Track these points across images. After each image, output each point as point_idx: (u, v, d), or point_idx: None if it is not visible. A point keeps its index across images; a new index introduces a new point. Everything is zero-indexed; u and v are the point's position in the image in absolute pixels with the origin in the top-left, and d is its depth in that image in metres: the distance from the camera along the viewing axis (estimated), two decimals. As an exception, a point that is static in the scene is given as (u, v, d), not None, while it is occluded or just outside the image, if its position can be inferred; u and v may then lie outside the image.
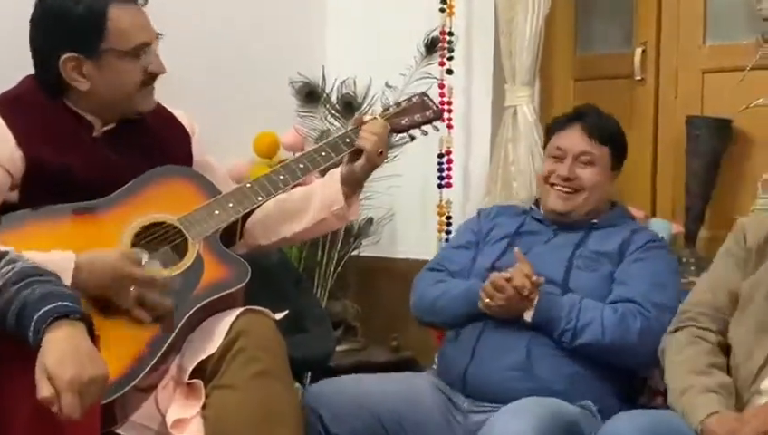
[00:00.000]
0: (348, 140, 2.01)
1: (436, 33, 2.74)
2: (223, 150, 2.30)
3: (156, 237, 1.84)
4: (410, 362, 2.79)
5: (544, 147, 2.29)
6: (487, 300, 2.02)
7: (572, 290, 2.05)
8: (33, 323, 1.38)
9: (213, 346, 1.71)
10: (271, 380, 1.70)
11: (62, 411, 1.34)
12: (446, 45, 2.73)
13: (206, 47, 2.75)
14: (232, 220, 1.89)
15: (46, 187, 1.80)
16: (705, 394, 1.75)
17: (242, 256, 1.88)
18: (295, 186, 2.00)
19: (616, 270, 2.07)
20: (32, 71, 1.90)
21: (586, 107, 2.28)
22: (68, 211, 1.80)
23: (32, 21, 1.87)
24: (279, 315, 1.82)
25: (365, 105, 2.77)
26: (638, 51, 2.70)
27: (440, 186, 2.78)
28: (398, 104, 2.13)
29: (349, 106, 2.79)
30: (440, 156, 2.77)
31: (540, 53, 2.67)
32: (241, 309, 1.77)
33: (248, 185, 1.93)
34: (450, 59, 2.73)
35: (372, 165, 1.99)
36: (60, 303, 1.40)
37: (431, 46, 2.73)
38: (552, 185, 2.15)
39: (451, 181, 2.78)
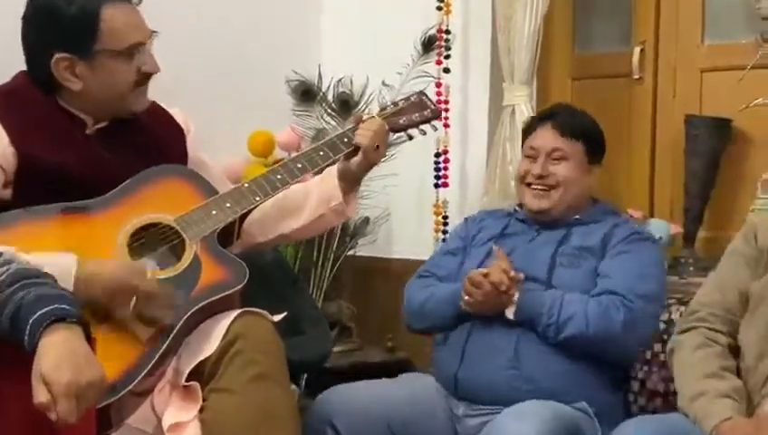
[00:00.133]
0: (346, 139, 1.99)
1: (433, 31, 2.73)
2: (217, 149, 2.28)
3: (152, 238, 1.81)
4: (406, 363, 2.77)
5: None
6: (467, 297, 2.03)
7: (556, 287, 2.05)
8: (28, 327, 1.35)
9: (210, 348, 1.68)
10: (269, 383, 1.68)
11: (59, 417, 1.31)
12: (443, 44, 2.71)
13: (202, 45, 2.73)
14: (230, 221, 1.86)
15: (40, 184, 1.78)
16: (718, 399, 1.73)
17: (237, 256, 1.85)
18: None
19: (599, 264, 2.07)
20: (20, 63, 1.87)
21: (557, 106, 2.30)
22: (62, 210, 1.77)
23: (24, 18, 1.84)
24: (277, 317, 1.80)
25: (362, 104, 2.75)
26: (637, 49, 2.69)
27: (437, 185, 2.77)
28: (395, 103, 2.11)
29: (345, 105, 2.77)
30: (437, 155, 2.75)
31: (538, 51, 2.66)
32: (238, 311, 1.75)
33: (246, 185, 1.91)
34: (447, 57, 2.72)
35: (369, 161, 1.97)
36: (56, 305, 1.37)
37: (428, 45, 2.72)
38: (529, 185, 2.16)
39: (448, 181, 2.77)
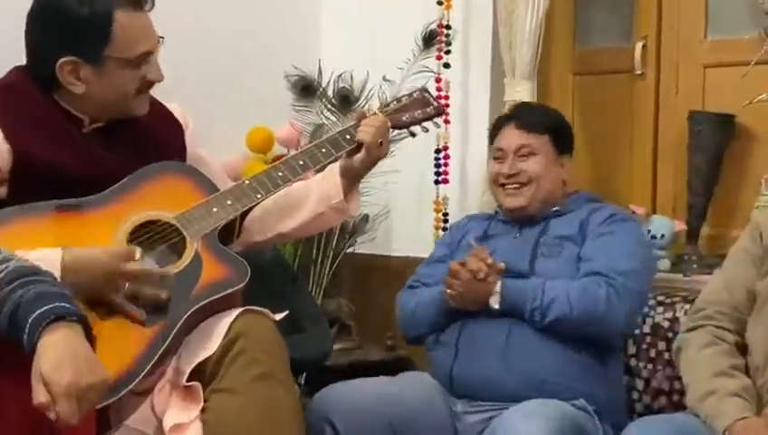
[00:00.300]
0: (348, 136, 1.96)
1: (434, 26, 2.71)
2: (216, 146, 2.25)
3: (152, 236, 1.79)
4: (405, 362, 2.75)
5: None
6: (448, 290, 2.04)
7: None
8: (27, 326, 1.32)
9: (211, 348, 1.66)
10: (272, 383, 1.65)
11: (59, 418, 1.29)
12: (443, 39, 2.69)
13: (200, 40, 2.70)
14: (231, 218, 1.84)
15: (35, 183, 1.74)
16: (728, 398, 1.72)
17: (237, 254, 1.82)
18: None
19: (581, 250, 2.08)
20: (18, 61, 1.84)
21: (518, 105, 2.35)
22: (57, 208, 1.74)
23: (30, 16, 1.80)
24: (279, 316, 1.77)
25: (362, 100, 2.73)
26: (639, 45, 2.67)
27: (437, 182, 2.75)
28: (398, 100, 2.09)
29: (345, 100, 2.74)
30: (437, 151, 2.73)
31: (540, 46, 2.63)
32: (240, 309, 1.72)
33: (247, 182, 1.88)
34: (448, 53, 2.70)
35: (372, 158, 1.95)
36: (56, 304, 1.34)
37: (429, 40, 2.70)
38: (502, 185, 2.18)
39: (448, 177, 2.74)
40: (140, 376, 1.61)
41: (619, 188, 2.73)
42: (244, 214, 1.93)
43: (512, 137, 2.18)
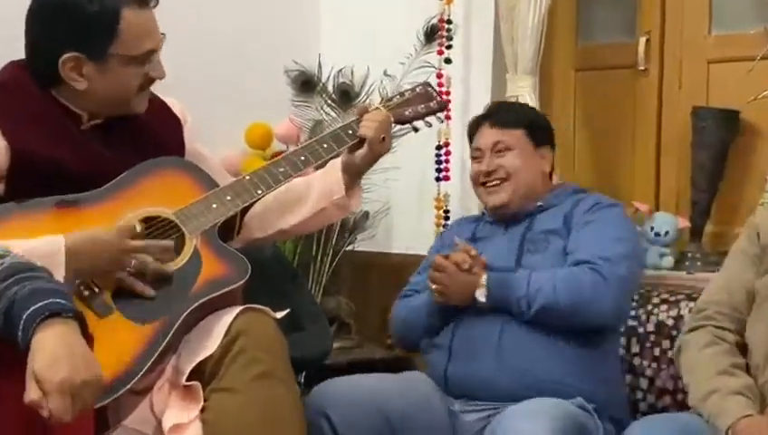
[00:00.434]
0: (350, 131, 1.94)
1: (435, 21, 2.68)
2: (215, 142, 2.22)
3: (151, 232, 1.76)
4: (405, 360, 2.72)
5: None
6: (434, 286, 2.04)
7: None
8: (22, 322, 1.30)
9: (211, 347, 1.63)
10: (273, 382, 1.63)
11: (52, 415, 1.26)
12: (444, 34, 2.66)
13: (199, 34, 2.67)
14: (231, 214, 1.82)
15: (33, 179, 1.72)
16: (731, 396, 1.72)
17: (237, 251, 1.80)
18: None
19: (567, 243, 2.07)
20: (13, 56, 1.81)
21: (492, 104, 2.35)
22: (56, 204, 1.72)
23: (32, 10, 1.77)
24: (280, 314, 1.75)
25: (362, 95, 2.70)
26: (642, 40, 2.64)
27: (438, 179, 2.72)
28: (401, 94, 2.07)
29: (345, 96, 2.72)
30: (438, 148, 2.71)
31: (543, 41, 2.61)
32: (240, 308, 1.70)
33: (247, 177, 1.86)
34: (449, 48, 2.67)
35: (375, 154, 1.93)
36: (51, 300, 1.31)
37: (430, 35, 2.67)
38: (483, 184, 2.19)
39: (449, 174, 2.72)
40: (139, 375, 1.59)
41: (622, 184, 2.71)
42: (245, 210, 1.91)
43: (487, 135, 2.19)
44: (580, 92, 2.79)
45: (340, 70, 2.76)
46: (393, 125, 2.02)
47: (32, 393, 1.26)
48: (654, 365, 2.20)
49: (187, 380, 1.63)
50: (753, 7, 2.53)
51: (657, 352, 2.20)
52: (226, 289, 1.71)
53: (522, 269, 2.04)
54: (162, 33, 1.80)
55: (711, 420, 1.71)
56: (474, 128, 2.26)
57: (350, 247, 2.88)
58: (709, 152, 2.48)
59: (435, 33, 2.67)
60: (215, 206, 1.79)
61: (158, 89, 1.90)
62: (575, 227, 2.08)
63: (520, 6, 2.57)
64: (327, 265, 2.81)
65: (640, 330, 2.23)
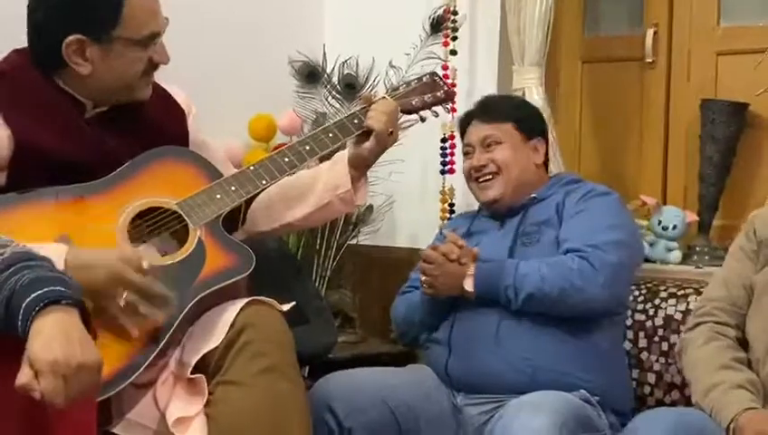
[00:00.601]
0: (356, 120, 1.92)
1: (441, 11, 2.65)
2: (217, 133, 2.19)
3: (154, 223, 1.74)
4: (409, 354, 2.70)
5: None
6: (423, 278, 2.05)
7: None
8: (21, 311, 1.27)
9: (216, 339, 1.61)
10: (279, 376, 1.61)
11: (43, 396, 1.22)
12: (449, 25, 2.63)
13: (202, 24, 2.64)
14: (235, 205, 1.79)
15: (36, 168, 1.69)
16: (733, 390, 1.72)
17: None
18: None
19: (559, 233, 2.07)
20: (14, 45, 1.78)
21: (480, 100, 2.34)
22: (60, 194, 1.69)
23: None
24: (286, 307, 1.72)
25: (368, 86, 2.67)
26: (650, 32, 2.62)
27: (443, 172, 2.69)
28: (407, 84, 2.05)
29: (350, 87, 2.69)
30: (443, 141, 2.68)
31: (550, 32, 2.58)
32: (246, 300, 1.67)
33: (251, 168, 1.84)
34: (454, 39, 2.64)
35: (382, 146, 1.91)
36: (51, 288, 1.29)
37: (436, 25, 2.65)
38: (476, 180, 2.19)
39: (454, 167, 2.68)
40: (142, 368, 1.57)
41: (629, 178, 2.69)
42: (249, 201, 1.88)
43: (476, 131, 2.20)
44: (586, 85, 2.77)
45: (345, 61, 2.73)
46: (400, 115, 1.99)
47: (22, 376, 1.23)
48: (662, 360, 2.18)
49: (192, 372, 1.61)
50: (763, -1, 2.52)
51: (664, 346, 2.18)
52: (231, 280, 1.69)
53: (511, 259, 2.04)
54: (165, 18, 1.78)
55: (713, 415, 1.71)
56: (464, 124, 2.26)
57: (353, 241, 2.85)
58: (717, 145, 2.46)
59: (440, 24, 2.65)
60: (219, 196, 1.77)
61: (160, 79, 1.87)
62: (567, 216, 2.08)
63: (526, -2, 2.55)
64: (331, 259, 2.78)
65: (648, 324, 2.21)
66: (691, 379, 1.83)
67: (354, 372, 2.07)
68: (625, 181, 2.66)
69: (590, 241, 1.99)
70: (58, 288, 1.29)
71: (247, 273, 1.70)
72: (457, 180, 2.71)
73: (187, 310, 1.64)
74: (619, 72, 2.72)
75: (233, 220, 1.86)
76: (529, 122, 2.21)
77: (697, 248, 2.48)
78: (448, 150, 2.68)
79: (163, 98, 1.90)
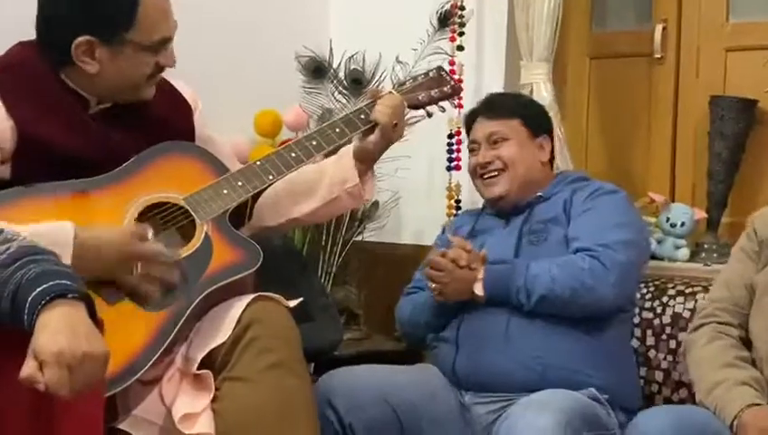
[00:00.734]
0: (363, 115, 1.91)
1: (448, 6, 2.64)
2: (222, 129, 2.18)
3: (160, 218, 1.73)
4: (415, 352, 2.68)
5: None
6: (432, 285, 2.03)
7: None
8: (27, 305, 1.27)
9: (223, 335, 1.60)
10: (286, 371, 1.60)
11: (47, 387, 1.21)
12: (456, 20, 2.62)
13: (208, 19, 2.62)
14: (242, 200, 1.78)
15: (40, 162, 1.68)
16: (738, 387, 1.71)
17: (248, 239, 1.77)
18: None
19: (567, 231, 2.05)
20: (17, 39, 1.77)
21: (487, 96, 2.34)
22: (64, 189, 1.68)
23: None
24: (292, 303, 1.71)
25: (374, 82, 2.65)
26: (659, 27, 2.61)
27: (449, 168, 2.68)
28: (414, 78, 2.05)
29: (357, 83, 2.67)
30: (450, 137, 2.67)
31: (558, 27, 2.57)
32: (252, 296, 1.67)
33: (258, 163, 1.82)
34: (461, 34, 2.63)
35: (387, 140, 1.90)
36: (56, 281, 1.28)
37: (444, 20, 2.63)
38: (481, 176, 2.18)
39: (460, 164, 2.67)
40: (149, 363, 1.56)
41: (637, 175, 2.68)
42: (256, 196, 1.87)
43: (482, 127, 2.19)
44: (594, 81, 2.75)
45: (352, 56, 2.71)
46: (406, 111, 1.98)
47: (27, 368, 1.22)
48: (670, 358, 2.16)
49: (198, 368, 1.60)
50: (773, -6, 2.50)
51: (672, 344, 2.16)
52: (238, 276, 1.68)
53: (520, 260, 2.03)
54: (174, 20, 1.77)
55: (717, 412, 1.71)
56: (469, 120, 2.25)
57: (359, 238, 2.84)
58: (726, 142, 2.45)
59: (448, 19, 2.63)
60: (225, 191, 1.76)
61: (166, 74, 1.86)
62: (575, 215, 2.07)
63: (534, -7, 2.54)
64: (336, 256, 2.77)
65: (656, 322, 2.20)
66: (695, 378, 1.83)
67: (356, 368, 2.06)
68: (633, 178, 2.65)
69: (600, 240, 1.98)
70: (64, 282, 1.29)
71: (254, 268, 1.70)
72: (464, 177, 2.69)
73: (194, 305, 1.63)
74: (628, 68, 2.71)
75: (239, 216, 1.85)
76: (535, 119, 2.20)
77: (706, 246, 2.47)
78: (455, 147, 2.67)
79: (169, 93, 1.89)
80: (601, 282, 1.94)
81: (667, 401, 2.16)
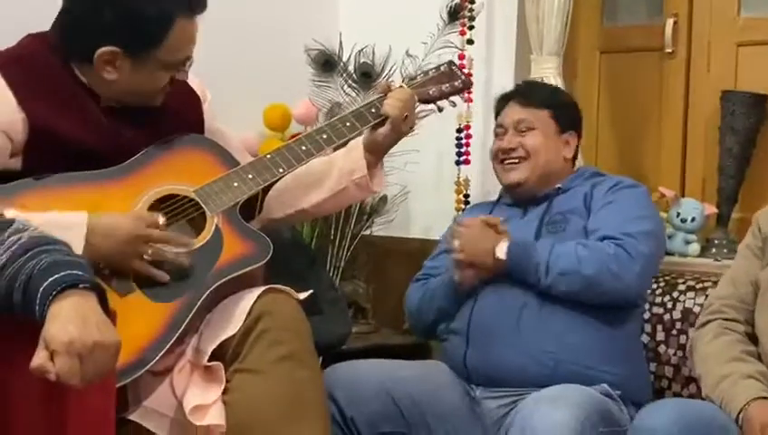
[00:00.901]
0: (374, 109, 1.91)
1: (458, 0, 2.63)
2: (232, 123, 2.17)
3: (171, 210, 1.73)
4: (423, 346, 2.68)
5: None
6: (456, 242, 2.00)
7: None
8: (39, 296, 1.26)
9: (234, 327, 1.60)
10: (296, 363, 1.60)
11: (59, 376, 1.20)
12: (466, 14, 2.61)
13: (216, 13, 2.59)
14: (252, 193, 1.78)
15: (52, 155, 1.68)
16: (744, 380, 1.71)
17: (258, 232, 1.77)
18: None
19: (587, 223, 2.05)
20: (17, 38, 1.76)
21: (522, 82, 2.36)
22: (75, 180, 1.69)
23: None
24: (303, 295, 1.72)
25: (384, 75, 2.65)
26: (670, 21, 2.59)
27: (458, 162, 2.67)
28: (425, 73, 2.04)
29: (366, 76, 2.66)
30: (459, 131, 2.66)
31: (569, 21, 2.55)
32: (263, 288, 1.67)
33: (268, 156, 1.83)
34: (471, 28, 2.62)
35: (397, 133, 1.89)
36: (68, 271, 1.28)
37: (454, 14, 2.62)
38: (502, 161, 2.18)
39: (469, 158, 2.67)
40: (160, 355, 1.56)
41: (648, 170, 2.66)
42: (266, 189, 1.87)
43: (512, 113, 2.18)
44: (604, 75, 2.74)
45: (362, 49, 2.70)
46: (417, 104, 1.98)
47: (37, 358, 1.21)
48: (679, 353, 2.15)
49: (209, 360, 1.60)
50: (785, -11, 2.49)
51: (682, 339, 2.15)
52: (249, 268, 1.68)
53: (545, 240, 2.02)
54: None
55: (723, 406, 1.71)
56: (500, 104, 2.24)
57: (367, 231, 2.83)
58: (737, 137, 2.43)
59: (458, 13, 2.62)
60: (236, 184, 1.76)
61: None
62: (596, 207, 2.06)
63: (545, -14, 2.53)
64: (345, 250, 2.76)
65: (666, 317, 2.19)
66: (702, 373, 1.82)
67: (358, 362, 2.06)
68: (643, 173, 2.63)
69: (625, 230, 1.98)
70: (75, 272, 1.28)
71: (265, 261, 1.70)
72: (473, 171, 2.70)
73: (204, 297, 1.63)
74: (638, 62, 2.69)
75: (249, 208, 1.85)
76: (566, 115, 2.20)
77: (716, 241, 2.46)
78: (464, 141, 2.66)
79: (178, 85, 1.87)
80: (626, 270, 1.94)
81: (677, 396, 2.15)
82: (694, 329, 1.93)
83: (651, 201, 2.15)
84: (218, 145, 1.84)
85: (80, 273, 1.28)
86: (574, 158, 2.23)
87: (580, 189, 2.12)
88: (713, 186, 2.51)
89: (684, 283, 2.22)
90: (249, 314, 1.61)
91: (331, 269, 2.76)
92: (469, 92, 2.55)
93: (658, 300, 2.20)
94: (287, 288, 1.69)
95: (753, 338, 1.82)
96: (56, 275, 1.27)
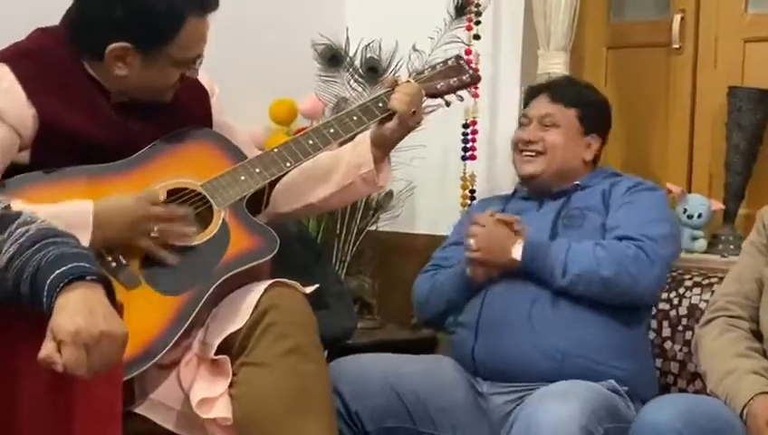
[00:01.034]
0: (381, 104, 1.91)
1: (465, -6, 2.63)
2: (238, 117, 2.18)
3: (178, 204, 1.73)
4: (429, 342, 2.69)
5: None
6: (471, 241, 2.00)
7: None
8: (46, 288, 1.27)
9: (240, 320, 1.61)
10: (303, 357, 1.61)
11: (66, 367, 1.21)
12: (473, 9, 2.61)
13: (222, 7, 2.59)
14: (259, 187, 1.79)
15: (61, 149, 1.69)
16: (748, 376, 1.71)
17: (265, 226, 1.78)
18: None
19: (605, 220, 2.05)
20: (17, 38, 1.77)
21: (557, 77, 2.35)
22: (83, 174, 1.70)
23: None
24: (309, 289, 1.72)
25: (390, 70, 2.64)
26: (677, 17, 2.58)
27: (464, 158, 2.67)
28: (433, 67, 2.04)
29: (373, 71, 2.66)
30: (465, 126, 2.65)
31: (576, 16, 2.54)
32: (269, 281, 1.67)
33: (276, 150, 1.83)
34: (477, 23, 2.61)
35: (405, 127, 1.89)
36: (75, 264, 1.28)
37: (460, 9, 2.61)
38: (521, 151, 2.18)
39: (475, 153, 2.66)
40: (167, 347, 1.57)
41: (654, 165, 2.65)
42: (273, 184, 1.87)
43: (539, 105, 2.18)
44: (611, 71, 2.73)
45: (368, 44, 2.69)
46: (425, 99, 1.98)
47: (44, 349, 1.22)
48: (685, 349, 2.15)
49: (216, 353, 1.61)
50: (793, -16, 2.48)
51: (688, 335, 2.15)
52: (255, 262, 1.69)
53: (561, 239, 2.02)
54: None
55: (728, 401, 1.71)
56: (530, 95, 2.24)
57: (373, 227, 2.83)
58: (744, 133, 2.42)
59: (464, 8, 2.61)
60: (243, 178, 1.77)
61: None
62: (614, 205, 2.06)
63: (552, -18, 2.52)
64: (350, 245, 2.76)
65: (672, 313, 2.19)
66: (706, 370, 1.82)
67: (363, 356, 2.06)
68: (650, 169, 2.62)
69: (643, 231, 1.97)
70: (82, 264, 1.29)
71: (271, 255, 1.70)
72: (479, 166, 2.69)
73: (211, 291, 1.63)
74: (645, 58, 2.68)
75: (256, 203, 1.85)
76: (592, 117, 2.18)
77: (723, 237, 2.45)
78: (470, 136, 2.66)
79: (187, 80, 1.88)
80: (645, 273, 1.94)
81: (683, 392, 2.15)
82: (698, 326, 1.92)
83: (667, 203, 2.15)
84: (226, 139, 1.85)
85: (87, 265, 1.29)
86: (595, 161, 2.21)
87: (598, 187, 2.12)
88: (719, 182, 2.50)
89: (690, 279, 2.22)
90: (256, 307, 1.61)
91: (337, 264, 2.76)
92: (476, 88, 2.55)
93: (665, 296, 2.20)
94: (293, 282, 1.70)
95: (757, 335, 1.82)
96: (63, 268, 1.27)
